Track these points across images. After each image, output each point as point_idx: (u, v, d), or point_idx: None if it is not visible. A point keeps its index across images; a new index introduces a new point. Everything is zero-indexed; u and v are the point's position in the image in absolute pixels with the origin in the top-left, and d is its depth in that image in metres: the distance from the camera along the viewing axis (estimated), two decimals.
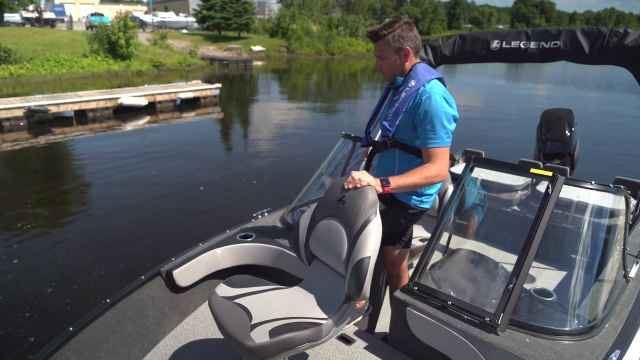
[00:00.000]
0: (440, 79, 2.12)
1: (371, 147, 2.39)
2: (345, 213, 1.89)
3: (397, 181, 1.97)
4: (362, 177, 1.91)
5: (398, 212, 2.20)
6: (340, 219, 1.92)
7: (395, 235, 2.32)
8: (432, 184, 2.05)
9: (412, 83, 2.07)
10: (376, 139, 2.41)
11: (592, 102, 17.34)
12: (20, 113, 11.32)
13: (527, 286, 2.12)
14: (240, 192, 6.87)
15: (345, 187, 1.93)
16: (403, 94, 2.09)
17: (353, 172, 1.96)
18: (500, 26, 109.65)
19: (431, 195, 2.23)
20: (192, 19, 42.88)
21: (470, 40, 3.30)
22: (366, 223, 1.80)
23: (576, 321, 1.99)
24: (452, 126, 2.04)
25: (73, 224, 5.71)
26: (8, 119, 11.14)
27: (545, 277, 2.97)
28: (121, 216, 5.90)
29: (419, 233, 3.20)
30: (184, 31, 39.99)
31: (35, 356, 1.91)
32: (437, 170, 2.00)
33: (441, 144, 2.00)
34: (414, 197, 2.19)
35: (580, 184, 2.10)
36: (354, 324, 2.43)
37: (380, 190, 1.93)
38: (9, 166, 8.24)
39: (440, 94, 2.01)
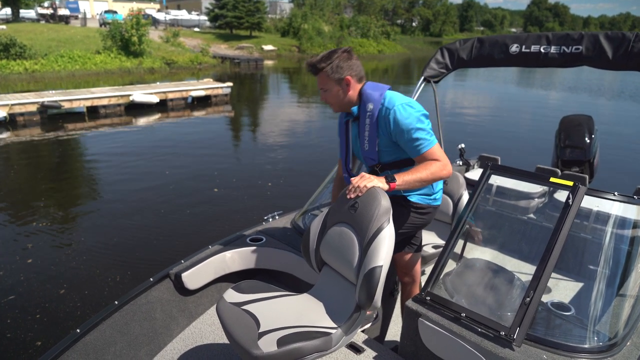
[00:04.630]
0: (389, 89, 2.11)
1: None
2: (357, 220, 1.84)
3: (403, 177, 1.93)
4: (365, 182, 1.87)
5: (412, 213, 2.19)
6: (352, 225, 1.87)
7: (405, 240, 2.29)
8: (440, 178, 2.02)
9: (370, 106, 2.05)
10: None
11: (612, 109, 17.00)
12: (34, 108, 11.46)
13: (544, 299, 2.05)
14: (255, 195, 6.78)
15: (348, 196, 1.89)
16: (367, 120, 2.07)
17: (352, 178, 1.91)
18: (513, 29, 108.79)
19: (440, 190, 2.26)
20: (204, 17, 43.07)
21: (488, 43, 3.23)
22: (379, 231, 1.75)
23: (596, 338, 1.91)
24: (427, 123, 2.02)
25: (86, 223, 5.69)
26: (22, 114, 11.28)
27: (561, 289, 2.89)
28: (134, 217, 5.87)
29: (432, 240, 3.13)
30: (196, 29, 40.20)
31: (42, 358, 1.89)
32: (441, 165, 1.97)
33: (430, 145, 1.98)
34: (425, 197, 2.20)
35: (603, 195, 2.03)
36: (364, 333, 2.38)
37: (386, 187, 1.89)
38: (22, 161, 8.30)
39: (401, 103, 2.00)
